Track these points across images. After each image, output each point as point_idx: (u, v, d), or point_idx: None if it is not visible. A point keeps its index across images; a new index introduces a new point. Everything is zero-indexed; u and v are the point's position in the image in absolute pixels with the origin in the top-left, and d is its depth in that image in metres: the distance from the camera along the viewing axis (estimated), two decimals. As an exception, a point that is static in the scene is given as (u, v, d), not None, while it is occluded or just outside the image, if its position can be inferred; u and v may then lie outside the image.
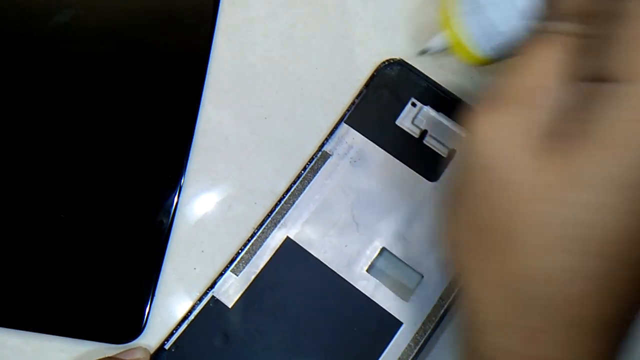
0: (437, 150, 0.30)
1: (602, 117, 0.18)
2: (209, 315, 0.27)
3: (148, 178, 0.29)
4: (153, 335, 0.28)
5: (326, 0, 0.32)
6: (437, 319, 0.28)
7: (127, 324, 0.27)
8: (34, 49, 0.31)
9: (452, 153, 0.30)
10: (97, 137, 0.30)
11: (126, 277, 0.28)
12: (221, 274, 0.28)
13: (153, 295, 0.28)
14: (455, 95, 0.31)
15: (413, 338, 0.27)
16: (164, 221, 0.29)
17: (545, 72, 0.20)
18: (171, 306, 0.28)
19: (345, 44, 0.32)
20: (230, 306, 0.27)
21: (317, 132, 0.30)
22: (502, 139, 0.20)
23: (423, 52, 0.30)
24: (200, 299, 0.27)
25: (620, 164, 0.18)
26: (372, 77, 0.31)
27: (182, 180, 0.29)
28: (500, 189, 0.19)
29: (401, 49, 0.32)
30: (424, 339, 0.27)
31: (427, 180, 0.29)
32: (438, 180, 0.29)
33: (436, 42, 0.29)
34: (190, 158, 0.30)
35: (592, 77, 0.19)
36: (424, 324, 0.27)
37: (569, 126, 0.19)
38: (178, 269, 0.29)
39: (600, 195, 0.18)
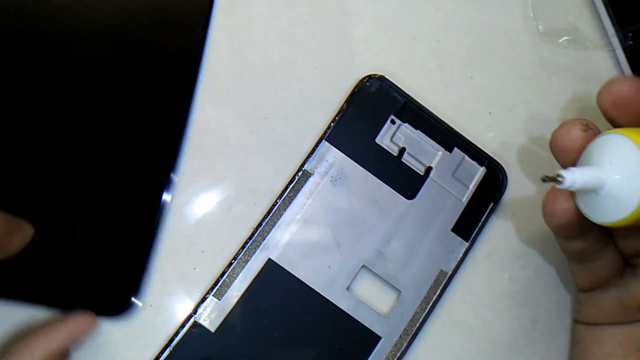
0: (414, 168, 0.30)
1: None
2: (192, 340, 0.27)
3: (138, 175, 0.29)
4: (153, 335, 0.28)
5: (326, 0, 0.32)
6: (413, 332, 0.28)
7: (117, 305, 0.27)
8: (30, 48, 0.30)
9: (428, 171, 0.30)
10: (91, 134, 0.29)
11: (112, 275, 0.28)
12: (203, 299, 0.28)
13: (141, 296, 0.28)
14: (432, 113, 0.31)
15: (391, 351, 0.28)
16: (153, 218, 0.28)
17: None
18: (171, 306, 0.28)
19: (345, 44, 0.32)
20: (213, 330, 0.27)
21: (316, 132, 0.30)
22: None
23: (550, 180, 0.21)
24: (183, 325, 0.27)
25: None
26: (353, 94, 0.30)
27: (174, 177, 0.29)
28: None
29: (401, 50, 0.32)
30: (400, 351, 0.28)
31: (404, 198, 0.30)
32: (415, 198, 0.30)
33: (585, 176, 0.20)
34: (189, 158, 0.30)
35: None
36: (400, 337, 0.28)
37: None
38: (178, 269, 0.29)
39: None
